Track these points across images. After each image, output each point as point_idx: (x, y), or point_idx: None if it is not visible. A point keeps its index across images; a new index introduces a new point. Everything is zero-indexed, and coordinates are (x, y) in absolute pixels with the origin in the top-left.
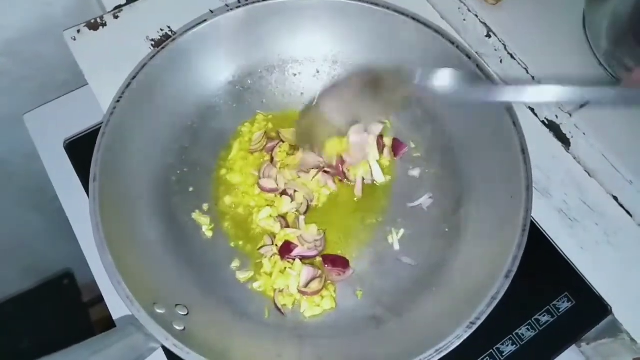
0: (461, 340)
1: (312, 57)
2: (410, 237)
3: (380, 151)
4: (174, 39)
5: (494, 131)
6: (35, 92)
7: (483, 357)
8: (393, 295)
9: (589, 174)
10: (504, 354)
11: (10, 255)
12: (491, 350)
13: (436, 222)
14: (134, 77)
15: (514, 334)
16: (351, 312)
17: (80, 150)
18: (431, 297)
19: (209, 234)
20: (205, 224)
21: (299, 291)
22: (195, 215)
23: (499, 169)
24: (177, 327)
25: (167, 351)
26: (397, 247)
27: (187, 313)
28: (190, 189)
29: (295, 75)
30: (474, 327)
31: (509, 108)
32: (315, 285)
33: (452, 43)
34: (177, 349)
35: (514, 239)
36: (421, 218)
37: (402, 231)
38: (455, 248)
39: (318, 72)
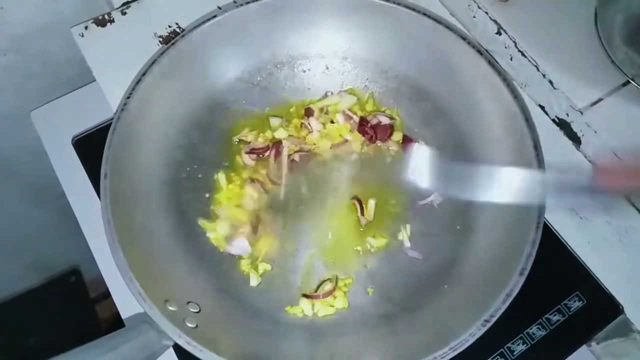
0: (475, 338)
1: (321, 53)
2: (421, 234)
3: (367, 136)
4: (182, 36)
5: (506, 128)
6: (43, 88)
7: (494, 356)
8: (404, 292)
9: None
10: (514, 353)
11: (17, 252)
12: (502, 350)
13: (447, 219)
14: (144, 74)
15: (524, 333)
16: (363, 309)
17: (89, 147)
18: (443, 294)
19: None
20: (212, 230)
21: (310, 297)
22: (201, 222)
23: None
24: (190, 325)
25: (178, 350)
26: (407, 244)
27: (199, 310)
28: (200, 186)
29: (304, 71)
30: (488, 325)
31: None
32: (327, 287)
33: (464, 39)
34: (190, 346)
35: (527, 236)
36: (432, 215)
37: (412, 228)
38: (467, 245)
39: (327, 68)
